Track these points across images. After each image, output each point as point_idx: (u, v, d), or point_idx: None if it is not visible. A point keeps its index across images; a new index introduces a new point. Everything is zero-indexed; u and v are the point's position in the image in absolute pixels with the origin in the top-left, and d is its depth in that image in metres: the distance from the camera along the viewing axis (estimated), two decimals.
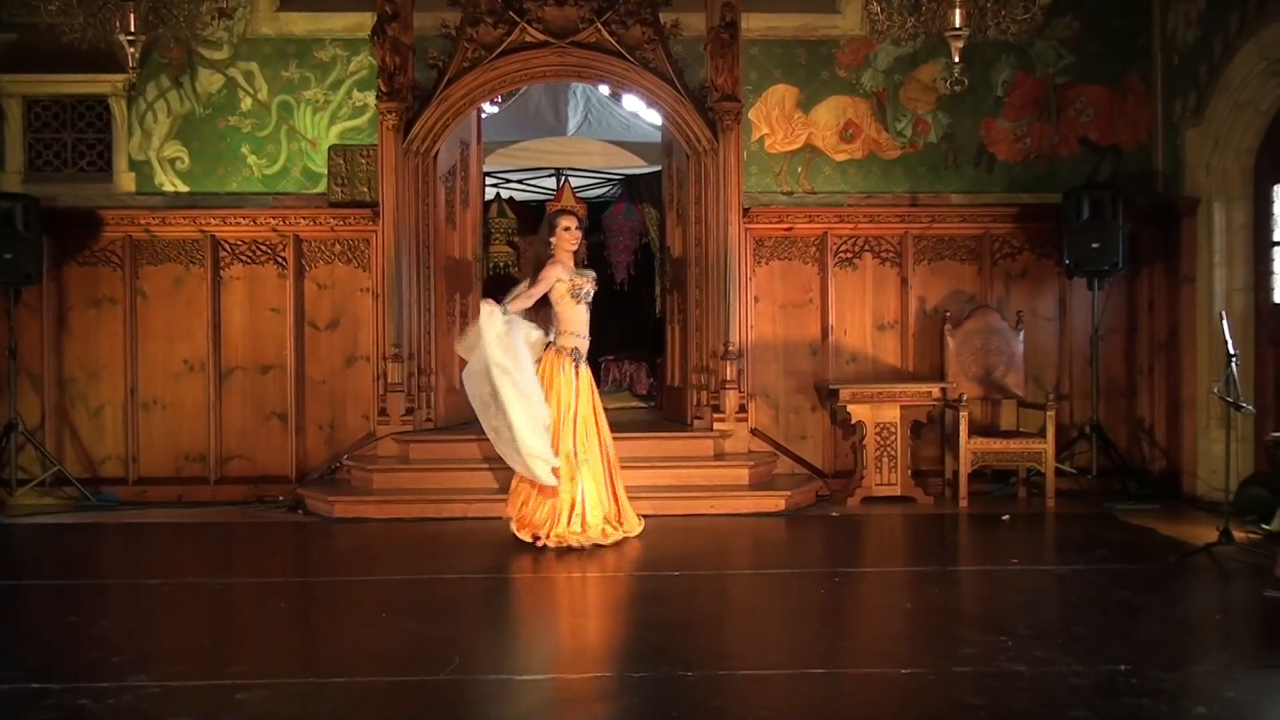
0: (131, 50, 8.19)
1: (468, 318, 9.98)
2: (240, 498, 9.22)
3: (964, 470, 8.91)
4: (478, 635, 5.57)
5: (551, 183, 13.62)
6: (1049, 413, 8.85)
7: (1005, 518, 8.47)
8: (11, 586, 6.75)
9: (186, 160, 9.59)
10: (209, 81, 9.58)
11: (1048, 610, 6.10)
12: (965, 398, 9.02)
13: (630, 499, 8.48)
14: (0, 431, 9.07)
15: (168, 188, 9.58)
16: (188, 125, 9.59)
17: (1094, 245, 9.01)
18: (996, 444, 8.99)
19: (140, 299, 9.48)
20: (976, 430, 9.07)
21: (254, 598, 6.37)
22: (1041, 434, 8.87)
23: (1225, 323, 7.25)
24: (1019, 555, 7.28)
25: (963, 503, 8.86)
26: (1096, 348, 9.31)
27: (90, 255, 9.46)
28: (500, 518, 7.72)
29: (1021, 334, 9.37)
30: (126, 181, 9.57)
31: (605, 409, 11.55)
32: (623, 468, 8.88)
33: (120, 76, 9.23)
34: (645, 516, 8.25)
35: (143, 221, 9.42)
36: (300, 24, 9.61)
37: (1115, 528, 8.09)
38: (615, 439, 9.34)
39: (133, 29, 8.10)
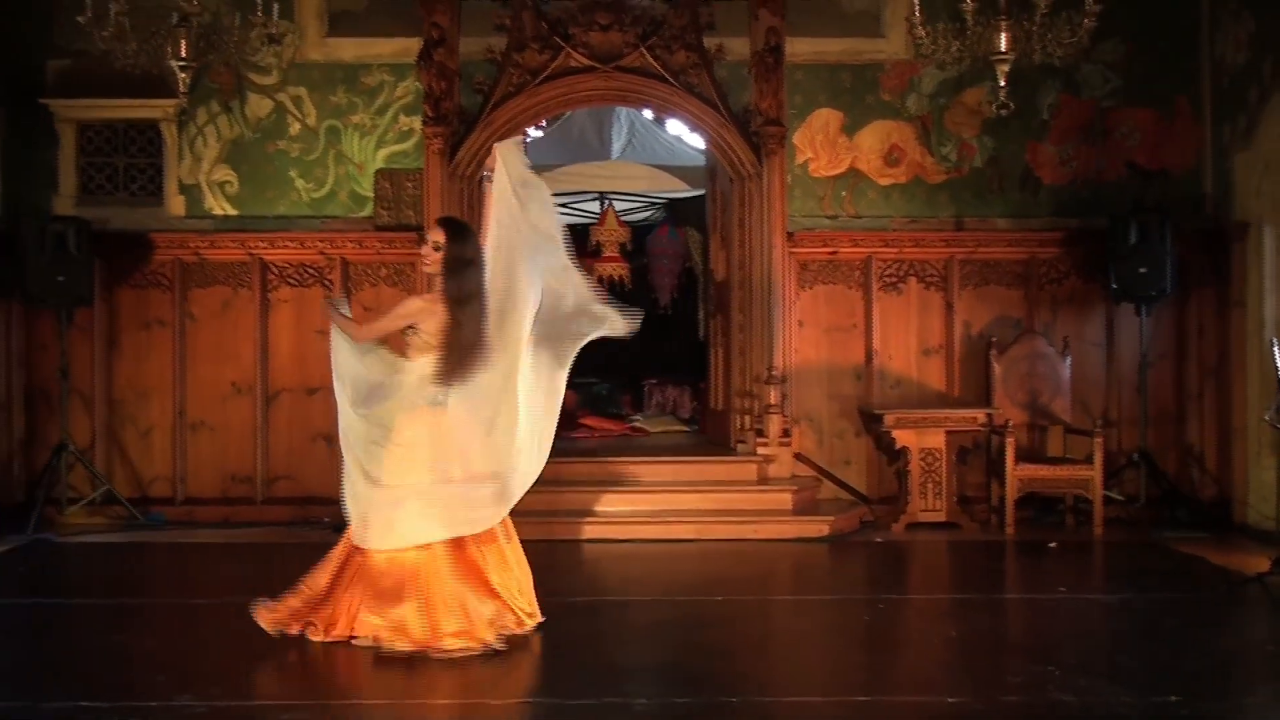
0: (183, 76, 8.32)
1: None
2: (286, 518, 9.27)
3: (1010, 497, 8.82)
4: (521, 658, 5.57)
5: (595, 206, 13.66)
6: (1096, 439, 8.75)
7: (1052, 545, 8.38)
8: (61, 605, 6.83)
9: (235, 184, 9.70)
10: (258, 106, 9.69)
11: (1095, 640, 6.03)
12: (1011, 424, 8.95)
13: (673, 523, 8.50)
14: (51, 451, 9.19)
15: (217, 211, 9.69)
16: (237, 149, 9.70)
17: (1142, 270, 8.92)
18: (1043, 471, 8.90)
19: (189, 321, 9.58)
20: (1023, 456, 8.99)
21: None
22: (1089, 461, 8.78)
23: (1276, 349, 7.15)
24: (1066, 583, 7.21)
25: (1009, 530, 8.77)
26: (1145, 374, 9.21)
27: (141, 278, 9.57)
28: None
29: (1068, 359, 9.29)
30: (176, 205, 9.68)
31: (648, 432, 11.68)
32: (666, 492, 8.92)
33: (171, 101, 9.35)
34: (688, 541, 8.24)
35: (192, 244, 9.52)
36: (348, 50, 9.70)
37: (1164, 556, 7.99)
38: (658, 462, 9.38)
39: (184, 55, 8.23)
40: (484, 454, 5.70)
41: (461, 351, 5.61)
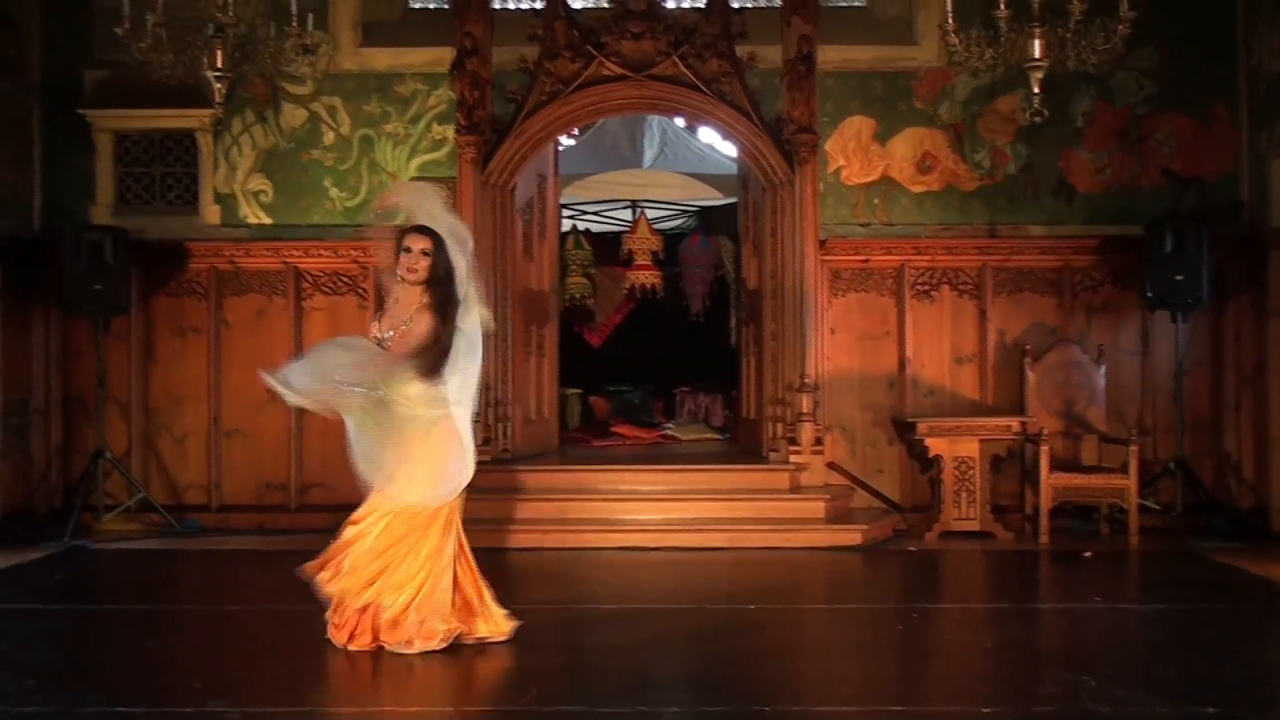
0: (219, 86, 8.39)
1: (544, 349, 10.05)
2: (320, 525, 9.19)
3: (1045, 506, 8.76)
4: (552, 666, 5.58)
5: (627, 215, 13.69)
6: (1132, 448, 8.68)
7: (1087, 555, 8.32)
8: (97, 611, 6.88)
9: (270, 193, 9.77)
10: (293, 116, 9.76)
11: (1131, 650, 5.97)
12: (1045, 432, 8.89)
13: (705, 531, 8.50)
14: (88, 458, 9.28)
15: (251, 220, 9.76)
16: (271, 159, 9.77)
17: (1178, 277, 8.86)
18: (1078, 479, 8.84)
19: (224, 329, 9.65)
20: (1057, 465, 8.92)
21: None
22: (1124, 469, 8.71)
23: None
24: (1101, 593, 7.14)
25: (1043, 539, 8.71)
26: (1181, 382, 9.14)
27: (176, 286, 9.65)
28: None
29: (1103, 368, 9.23)
30: (212, 214, 9.76)
31: (680, 440, 11.69)
32: (698, 500, 8.92)
33: (207, 111, 9.44)
34: (720, 550, 8.24)
35: (227, 253, 9.60)
36: (382, 59, 9.76)
37: (1201, 566, 7.92)
38: (690, 470, 9.38)
39: (220, 66, 8.30)
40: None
41: (439, 354, 5.62)
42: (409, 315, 5.71)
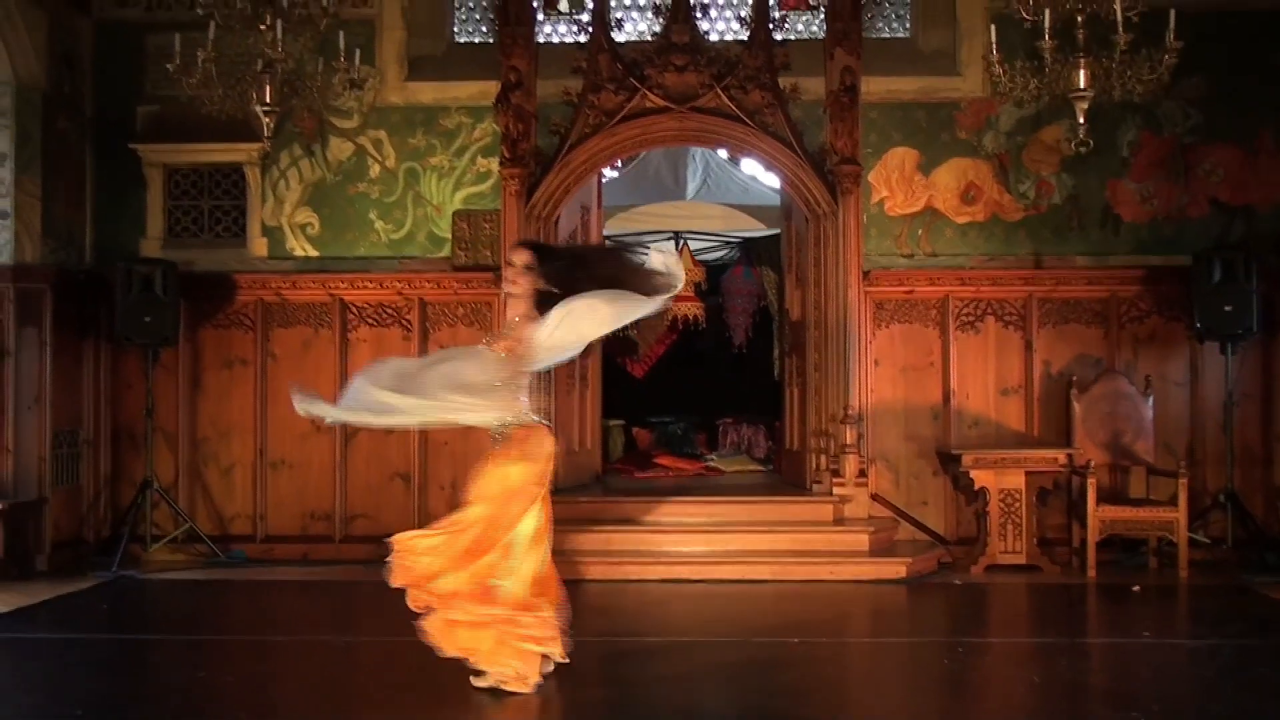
0: (267, 120, 8.49)
1: (586, 380, 10.08)
2: (364, 556, 9.31)
3: (1092, 539, 8.67)
4: (595, 698, 5.56)
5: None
6: (1181, 480, 8.58)
7: (1136, 589, 8.22)
8: (144, 640, 6.94)
9: (317, 226, 9.86)
10: (339, 149, 9.86)
11: (1181, 686, 5.90)
12: (1092, 464, 8.81)
13: (749, 563, 8.48)
14: (137, 488, 9.38)
15: (298, 252, 9.86)
16: (318, 192, 9.87)
17: (1226, 308, 8.78)
18: (1126, 512, 8.74)
19: (271, 360, 9.74)
20: (1105, 498, 8.83)
21: (377, 656, 6.45)
22: (1173, 502, 8.61)
23: None
24: (1150, 628, 7.06)
25: (1091, 572, 8.61)
26: (1230, 414, 9.03)
27: (224, 318, 9.75)
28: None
29: (1151, 399, 9.14)
30: (259, 247, 9.87)
31: (723, 471, 11.66)
32: (742, 532, 8.90)
33: (255, 145, 9.56)
34: (764, 582, 8.21)
35: (274, 285, 9.70)
36: (427, 93, 9.85)
37: (1252, 601, 7.81)
38: (734, 502, 9.35)
39: (268, 100, 8.40)
40: None
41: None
42: (512, 324, 5.61)
